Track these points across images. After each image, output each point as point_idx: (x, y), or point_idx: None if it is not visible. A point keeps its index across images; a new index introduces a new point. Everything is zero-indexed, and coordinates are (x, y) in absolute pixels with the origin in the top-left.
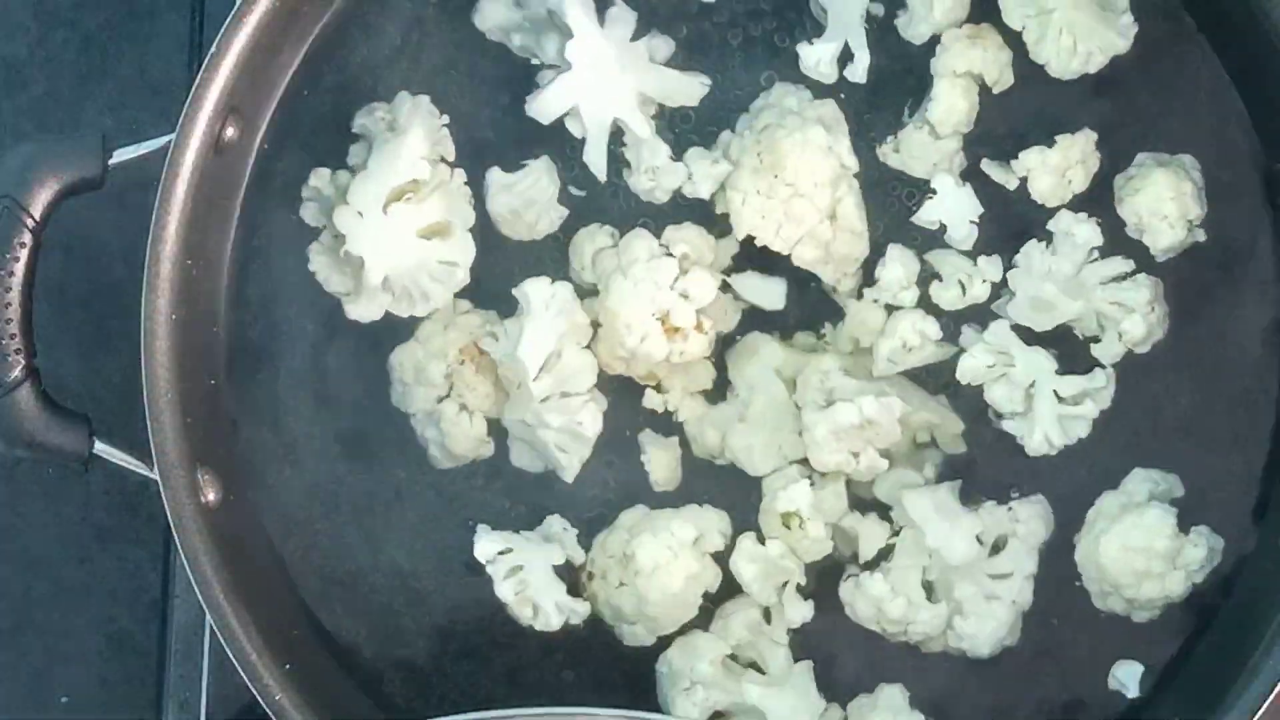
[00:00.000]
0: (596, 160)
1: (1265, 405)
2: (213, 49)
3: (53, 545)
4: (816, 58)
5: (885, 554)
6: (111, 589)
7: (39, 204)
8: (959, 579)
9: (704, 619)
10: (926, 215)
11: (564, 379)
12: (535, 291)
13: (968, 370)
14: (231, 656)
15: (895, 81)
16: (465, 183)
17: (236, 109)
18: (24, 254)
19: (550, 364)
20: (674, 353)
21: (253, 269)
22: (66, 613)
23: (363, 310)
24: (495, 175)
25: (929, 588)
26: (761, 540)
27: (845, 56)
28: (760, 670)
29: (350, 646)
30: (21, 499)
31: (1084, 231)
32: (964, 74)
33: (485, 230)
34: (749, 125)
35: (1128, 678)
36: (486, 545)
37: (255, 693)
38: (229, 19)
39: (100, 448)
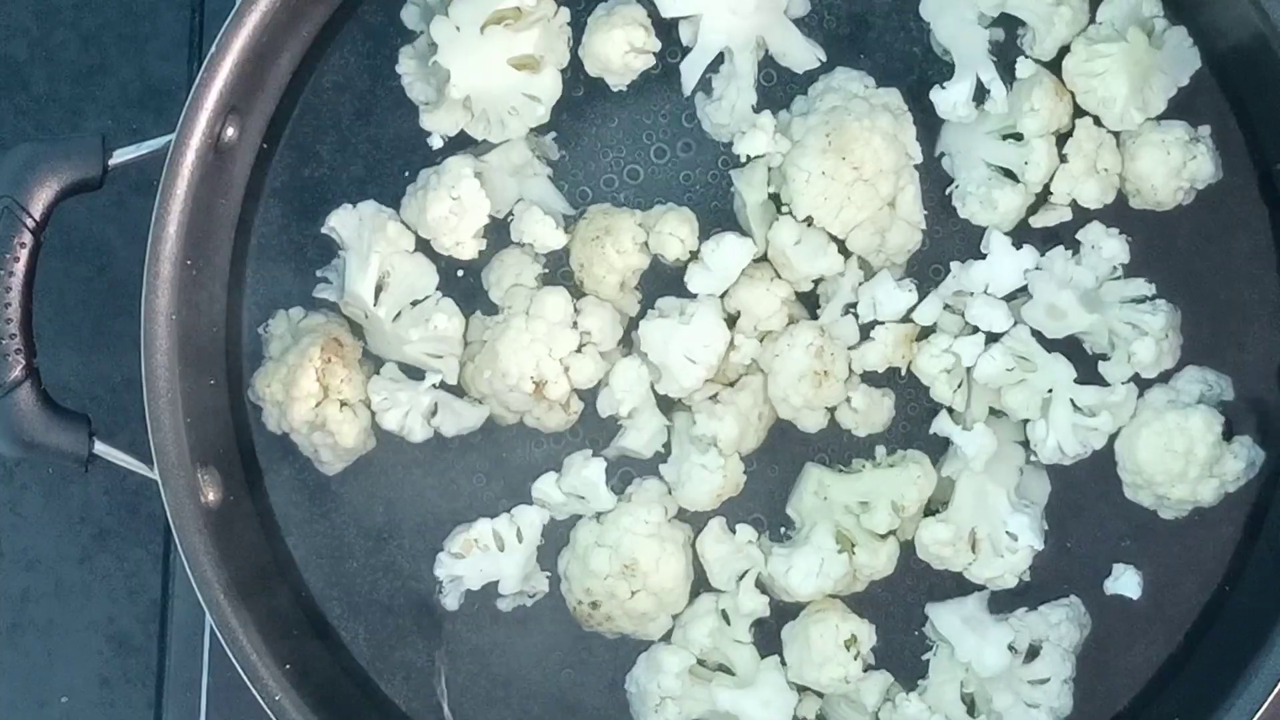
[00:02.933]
0: (690, 74)
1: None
2: (213, 49)
3: (53, 545)
4: (952, 101)
5: (921, 671)
6: (111, 589)
7: (39, 204)
8: (997, 690)
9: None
10: (969, 278)
11: (406, 290)
12: (342, 221)
13: (986, 373)
14: (231, 656)
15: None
16: (567, 23)
17: (236, 109)
18: (24, 254)
19: (386, 283)
20: (532, 415)
21: (252, 269)
22: (66, 613)
23: (438, 122)
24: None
25: (969, 701)
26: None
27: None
28: (729, 672)
29: (350, 646)
30: (21, 499)
31: (1111, 246)
32: (1053, 132)
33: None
34: (812, 107)
35: (1126, 583)
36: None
37: (255, 693)
38: (229, 19)
39: (100, 448)
